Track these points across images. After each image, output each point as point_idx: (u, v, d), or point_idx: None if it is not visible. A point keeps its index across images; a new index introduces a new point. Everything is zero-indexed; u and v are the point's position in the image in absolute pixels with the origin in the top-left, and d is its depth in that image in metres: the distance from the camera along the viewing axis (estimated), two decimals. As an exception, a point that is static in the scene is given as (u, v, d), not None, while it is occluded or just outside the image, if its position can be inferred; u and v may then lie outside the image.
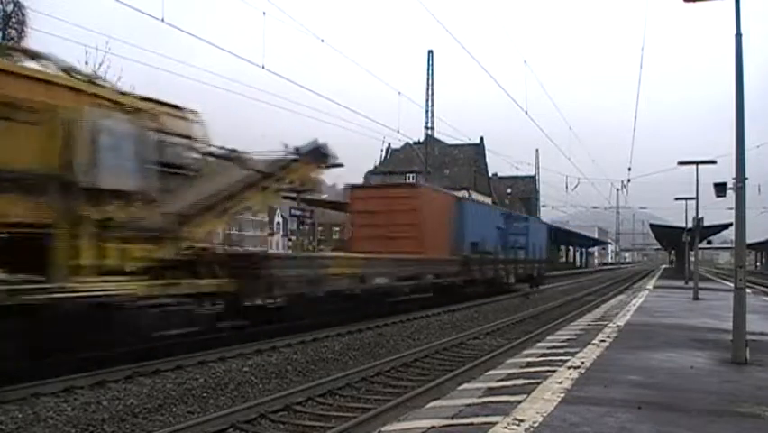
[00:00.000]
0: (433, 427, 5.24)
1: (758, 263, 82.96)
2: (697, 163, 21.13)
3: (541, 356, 9.09)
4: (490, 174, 66.16)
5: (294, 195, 20.79)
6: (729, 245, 72.80)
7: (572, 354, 8.85)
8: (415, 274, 18.59)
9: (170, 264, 10.19)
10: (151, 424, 7.18)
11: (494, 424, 5.14)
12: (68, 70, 9.60)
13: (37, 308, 7.94)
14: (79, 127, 8.67)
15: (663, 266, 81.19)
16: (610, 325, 12.83)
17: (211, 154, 11.87)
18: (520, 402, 5.90)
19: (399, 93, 31.86)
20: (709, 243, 56.42)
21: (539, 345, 10.84)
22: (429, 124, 48.02)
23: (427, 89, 48.19)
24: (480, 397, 6.40)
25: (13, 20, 22.09)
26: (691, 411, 5.79)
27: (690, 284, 24.66)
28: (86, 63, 24.34)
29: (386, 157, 56.15)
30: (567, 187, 56.61)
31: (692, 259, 32.20)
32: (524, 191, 76.04)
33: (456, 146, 56.98)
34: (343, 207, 25.33)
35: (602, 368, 7.84)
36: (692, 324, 13.48)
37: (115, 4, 13.12)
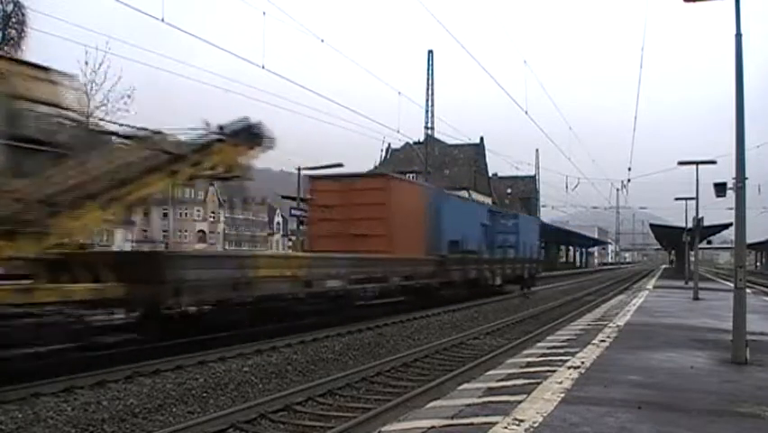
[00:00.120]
0: (433, 427, 5.24)
1: (758, 263, 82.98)
2: (697, 163, 21.15)
3: (541, 356, 9.09)
4: (490, 174, 66.24)
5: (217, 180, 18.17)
6: (729, 245, 72.82)
7: (572, 354, 8.86)
8: (379, 276, 16.64)
9: (47, 265, 8.55)
10: (151, 424, 7.18)
11: (494, 424, 5.14)
12: None
13: None
14: None
15: (663, 266, 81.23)
16: (610, 325, 12.84)
17: (99, 131, 10.35)
18: (520, 402, 5.90)
19: (399, 93, 31.75)
20: (709, 243, 56.46)
21: (539, 345, 10.84)
22: (429, 124, 48.04)
23: (427, 89, 48.22)
24: (480, 397, 6.40)
25: (13, 20, 22.09)
26: (691, 411, 5.79)
27: (690, 284, 24.66)
28: (87, 63, 24.42)
29: (386, 157, 56.17)
30: (567, 187, 56.59)
31: (692, 259, 32.22)
32: (524, 191, 76.10)
33: (456, 146, 57.05)
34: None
35: (602, 368, 7.84)
36: (692, 324, 13.49)
37: (115, 4, 13.08)
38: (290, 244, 42.29)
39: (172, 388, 8.43)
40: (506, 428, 5.04)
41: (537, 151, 78.00)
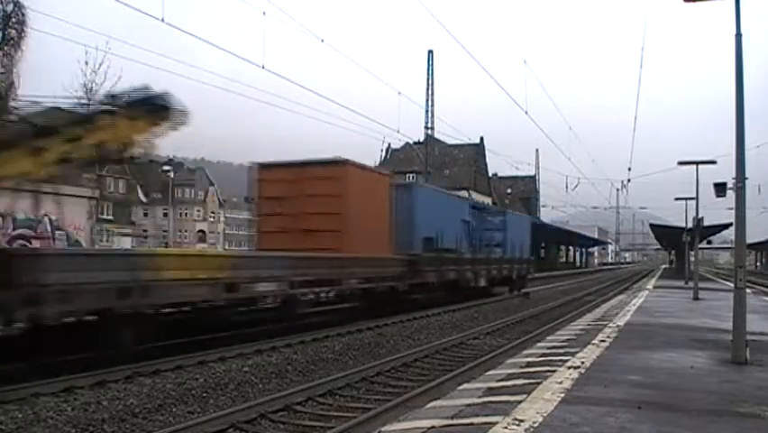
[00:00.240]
0: (433, 427, 5.24)
1: (758, 263, 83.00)
2: (697, 163, 21.16)
3: (541, 356, 9.09)
4: (490, 174, 66.34)
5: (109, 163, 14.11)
6: (729, 245, 72.88)
7: (572, 354, 8.85)
8: (331, 279, 14.44)
9: None
10: (151, 424, 7.18)
11: (494, 424, 5.14)
12: None
13: None
14: None
15: (663, 266, 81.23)
16: (610, 325, 12.84)
17: None
18: (520, 402, 5.90)
19: (399, 93, 31.76)
20: (709, 243, 56.56)
21: (539, 345, 10.84)
22: (429, 124, 48.16)
23: (427, 89, 48.33)
24: (480, 397, 6.40)
25: (13, 20, 22.14)
26: (691, 411, 5.79)
27: (690, 284, 24.67)
28: (87, 63, 24.46)
29: (386, 157, 56.21)
30: (567, 187, 56.80)
31: (692, 259, 32.24)
32: (524, 191, 76.28)
33: (456, 146, 57.12)
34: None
35: (602, 368, 7.84)
36: (692, 324, 13.49)
37: (115, 4, 13.08)
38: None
39: (172, 388, 8.42)
40: (506, 428, 5.04)
41: (537, 151, 78.34)
